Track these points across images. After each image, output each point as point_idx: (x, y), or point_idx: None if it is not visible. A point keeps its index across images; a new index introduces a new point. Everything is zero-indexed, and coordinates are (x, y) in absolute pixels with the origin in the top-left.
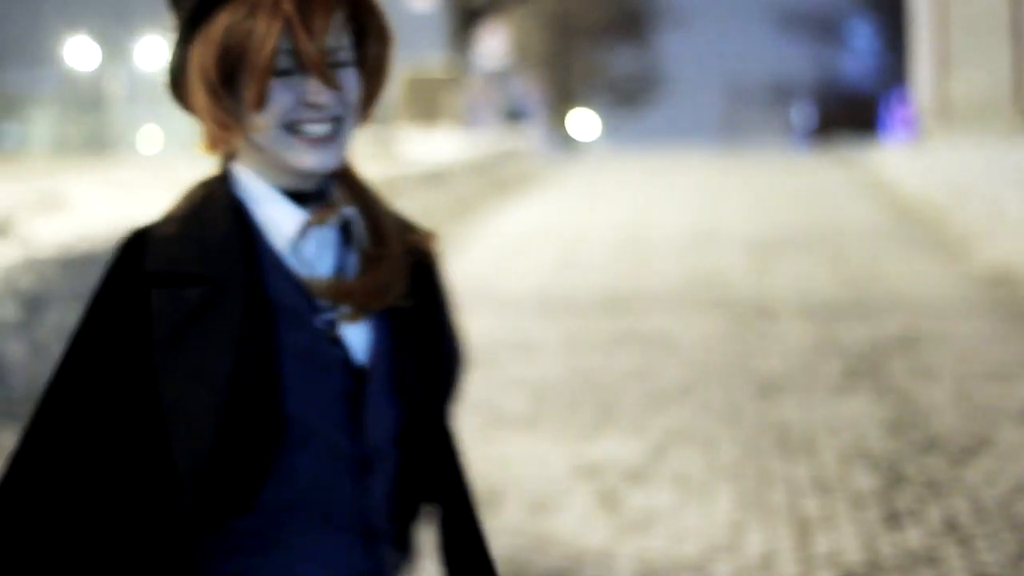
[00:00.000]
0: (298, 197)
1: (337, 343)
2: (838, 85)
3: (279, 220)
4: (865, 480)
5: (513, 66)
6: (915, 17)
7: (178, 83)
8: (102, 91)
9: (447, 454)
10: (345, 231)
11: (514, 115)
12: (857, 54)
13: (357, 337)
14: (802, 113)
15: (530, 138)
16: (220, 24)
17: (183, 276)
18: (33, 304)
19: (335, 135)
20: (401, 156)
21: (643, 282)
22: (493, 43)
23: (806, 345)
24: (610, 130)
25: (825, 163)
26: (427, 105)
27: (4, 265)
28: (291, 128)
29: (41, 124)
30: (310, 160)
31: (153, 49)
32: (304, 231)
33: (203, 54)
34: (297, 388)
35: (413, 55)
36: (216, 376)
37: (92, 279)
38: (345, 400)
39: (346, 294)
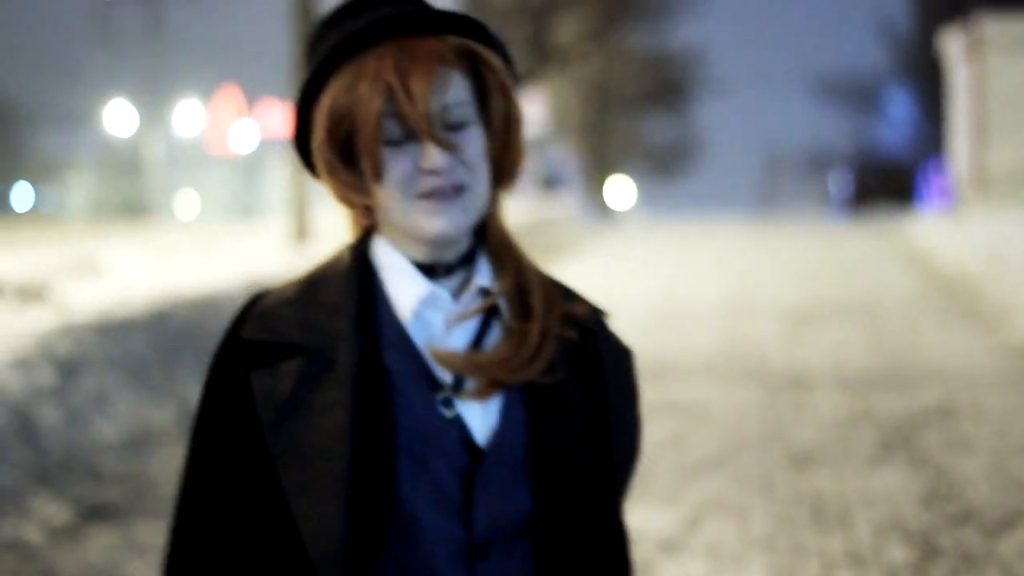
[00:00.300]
0: (438, 268)
1: (455, 420)
2: (875, 155)
3: (403, 290)
4: (899, 553)
5: (551, 133)
6: (953, 87)
7: (308, 155)
8: (140, 156)
9: (613, 559)
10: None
11: (551, 182)
12: (895, 124)
13: (480, 415)
14: (839, 182)
15: (567, 206)
16: (330, 94)
17: (279, 347)
18: (68, 370)
19: (458, 199)
20: None
21: (678, 351)
22: (531, 110)
23: (841, 416)
24: (647, 198)
25: (862, 233)
26: None
27: (40, 330)
28: (413, 195)
29: (78, 188)
30: (435, 226)
31: (190, 114)
32: (428, 302)
33: (318, 127)
34: (409, 467)
35: None
36: (334, 455)
37: (129, 345)
38: (459, 481)
39: (476, 366)
